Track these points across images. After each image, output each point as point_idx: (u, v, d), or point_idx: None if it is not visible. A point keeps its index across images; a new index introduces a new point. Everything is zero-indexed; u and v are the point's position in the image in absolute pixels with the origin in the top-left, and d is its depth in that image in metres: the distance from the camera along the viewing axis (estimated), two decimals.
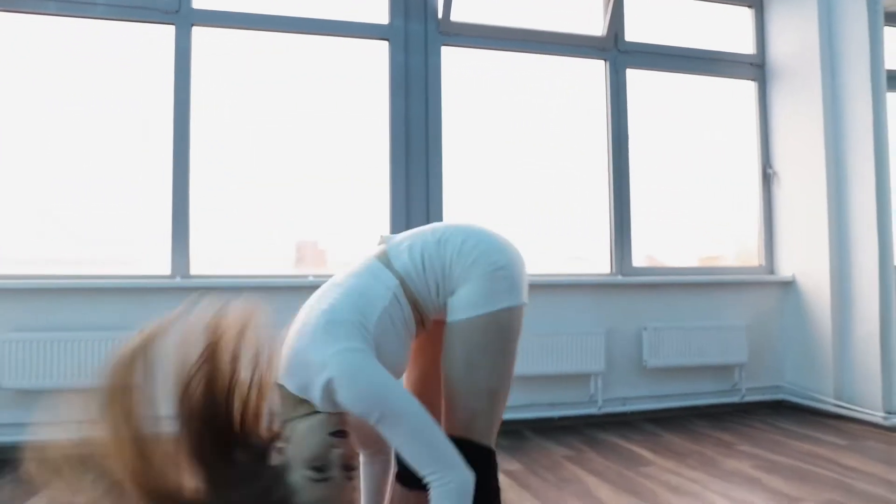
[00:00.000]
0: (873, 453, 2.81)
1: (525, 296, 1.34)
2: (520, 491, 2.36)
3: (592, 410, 3.43)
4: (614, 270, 3.65)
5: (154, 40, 3.16)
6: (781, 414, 3.60)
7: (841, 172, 3.56)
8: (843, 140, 3.55)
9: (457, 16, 3.46)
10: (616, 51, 3.72)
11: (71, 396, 1.13)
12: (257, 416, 1.18)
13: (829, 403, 3.52)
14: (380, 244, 1.39)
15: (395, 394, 1.17)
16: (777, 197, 3.92)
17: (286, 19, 3.29)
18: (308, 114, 3.38)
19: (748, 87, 4.02)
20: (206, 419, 1.12)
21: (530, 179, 3.66)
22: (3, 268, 2.94)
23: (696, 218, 3.99)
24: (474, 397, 1.27)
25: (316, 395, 1.16)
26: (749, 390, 3.71)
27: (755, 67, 3.99)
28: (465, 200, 3.51)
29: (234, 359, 1.16)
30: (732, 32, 4.04)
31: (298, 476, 1.13)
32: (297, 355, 1.19)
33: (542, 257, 3.60)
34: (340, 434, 1.17)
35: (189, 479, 1.10)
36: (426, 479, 1.15)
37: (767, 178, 3.96)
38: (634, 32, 3.77)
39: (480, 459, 1.20)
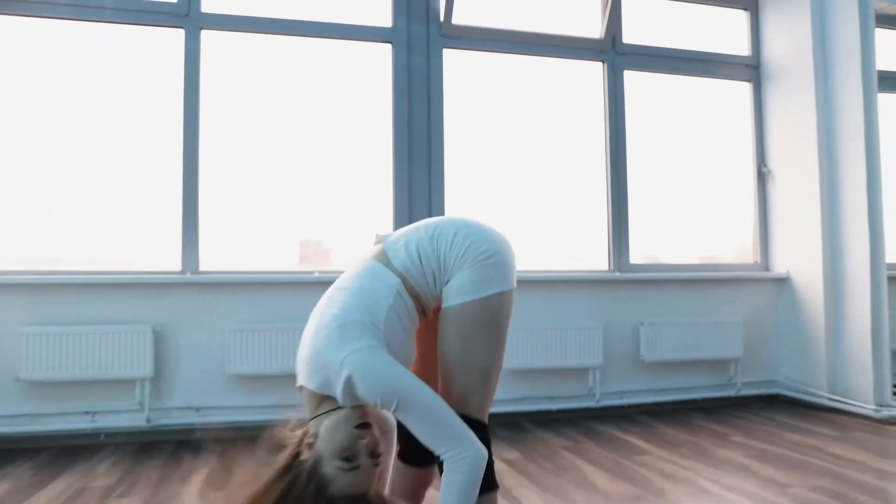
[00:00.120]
0: (863, 443, 2.89)
1: (514, 280, 1.44)
2: (518, 477, 2.45)
3: (590, 403, 3.52)
4: (612, 267, 3.74)
5: (163, 43, 3.25)
6: (776, 407, 3.68)
7: (833, 171, 3.65)
8: (836, 139, 3.63)
9: (458, 19, 3.56)
10: (614, 53, 3.81)
11: None
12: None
13: (822, 397, 3.61)
14: (376, 243, 1.48)
15: (409, 383, 1.28)
16: (772, 195, 4.00)
17: (292, 23, 3.39)
18: (313, 115, 3.47)
19: (744, 88, 4.11)
20: None
21: (529, 179, 3.75)
22: (18, 265, 3.04)
23: (693, 216, 4.08)
24: (469, 376, 1.37)
25: (338, 392, 1.26)
26: (744, 384, 3.79)
27: (750, 69, 4.08)
28: (466, 199, 3.60)
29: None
30: (728, 35, 4.13)
31: (330, 467, 1.24)
32: (315, 358, 1.30)
33: (542, 257, 3.69)
34: (364, 426, 1.28)
35: None
36: (442, 457, 1.24)
37: (762, 177, 4.04)
38: (632, 35, 3.86)
39: (475, 432, 1.30)
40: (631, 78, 3.86)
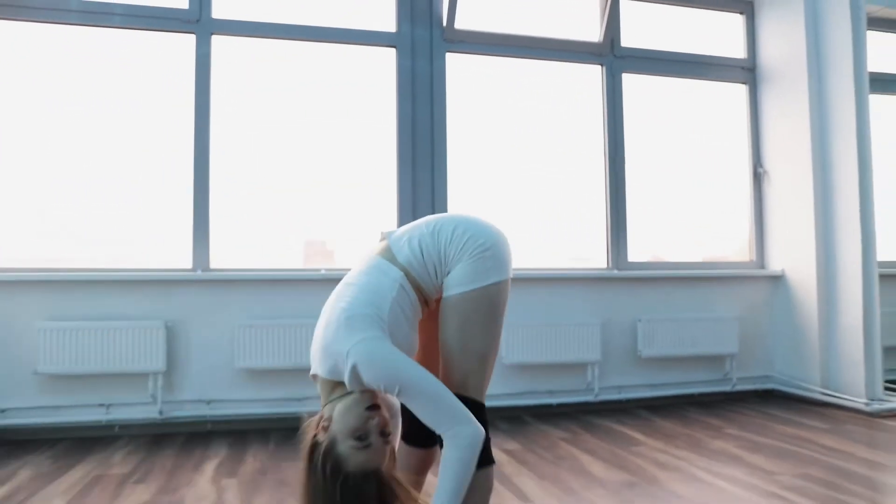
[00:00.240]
0: (853, 435, 2.98)
1: (510, 271, 1.54)
2: (517, 466, 2.55)
3: (589, 398, 3.61)
4: (610, 265, 3.83)
5: (176, 48, 3.35)
6: (770, 402, 3.77)
7: (827, 171, 3.74)
8: (829, 140, 3.72)
9: (460, 24, 3.66)
10: (612, 56, 3.91)
11: None
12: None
13: (815, 391, 3.69)
14: (381, 240, 1.60)
15: (409, 369, 1.38)
16: (767, 195, 4.09)
17: (300, 28, 3.49)
18: (318, 118, 3.57)
19: (739, 90, 4.20)
20: None
21: (530, 180, 3.84)
22: (37, 263, 3.16)
23: (690, 216, 4.16)
24: (467, 360, 1.47)
25: (346, 379, 1.37)
26: (740, 379, 3.88)
27: (746, 71, 4.17)
28: (468, 200, 3.70)
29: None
30: (724, 38, 4.22)
31: (344, 447, 1.34)
32: (326, 349, 1.41)
33: (544, 259, 3.79)
34: (374, 407, 1.39)
35: None
36: (442, 435, 1.35)
37: (758, 177, 4.13)
38: (630, 38, 3.96)
39: (473, 412, 1.40)
40: (629, 80, 3.95)
